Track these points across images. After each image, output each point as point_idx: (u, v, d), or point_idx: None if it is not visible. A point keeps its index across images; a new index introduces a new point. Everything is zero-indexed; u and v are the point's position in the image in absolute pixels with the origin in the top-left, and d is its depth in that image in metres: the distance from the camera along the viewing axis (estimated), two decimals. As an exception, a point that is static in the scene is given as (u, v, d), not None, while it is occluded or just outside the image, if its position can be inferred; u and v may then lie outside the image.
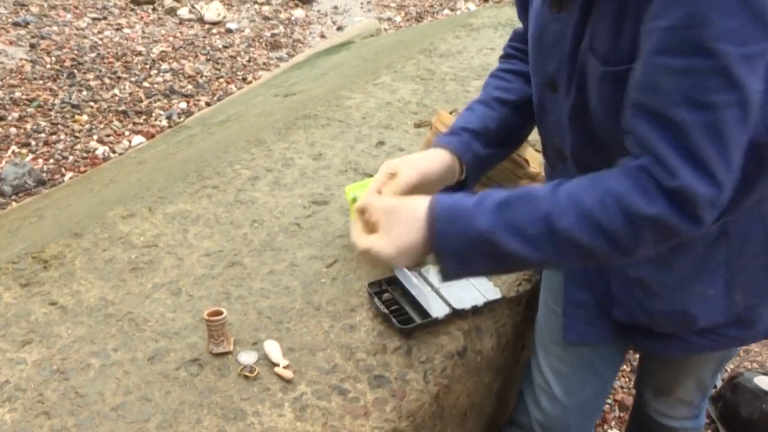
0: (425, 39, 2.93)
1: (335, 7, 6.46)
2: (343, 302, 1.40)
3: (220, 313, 1.27)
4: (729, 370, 2.32)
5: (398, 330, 1.31)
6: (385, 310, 1.34)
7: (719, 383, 2.16)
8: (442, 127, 1.67)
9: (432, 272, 1.45)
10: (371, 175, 1.78)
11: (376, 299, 1.36)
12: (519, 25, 1.29)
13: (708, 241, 1.09)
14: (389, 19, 6.21)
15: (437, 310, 1.34)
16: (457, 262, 0.98)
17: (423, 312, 1.34)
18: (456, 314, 1.36)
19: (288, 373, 1.23)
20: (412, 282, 1.36)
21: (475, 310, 1.38)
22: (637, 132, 0.90)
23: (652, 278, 1.15)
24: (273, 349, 1.27)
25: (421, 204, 0.99)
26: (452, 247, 0.96)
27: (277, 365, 1.25)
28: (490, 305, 1.40)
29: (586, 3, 0.97)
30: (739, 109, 0.85)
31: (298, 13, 6.25)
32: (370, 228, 1.02)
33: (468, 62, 2.58)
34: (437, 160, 1.14)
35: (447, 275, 1.02)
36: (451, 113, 1.74)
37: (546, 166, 1.28)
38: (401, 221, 0.98)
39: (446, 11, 6.38)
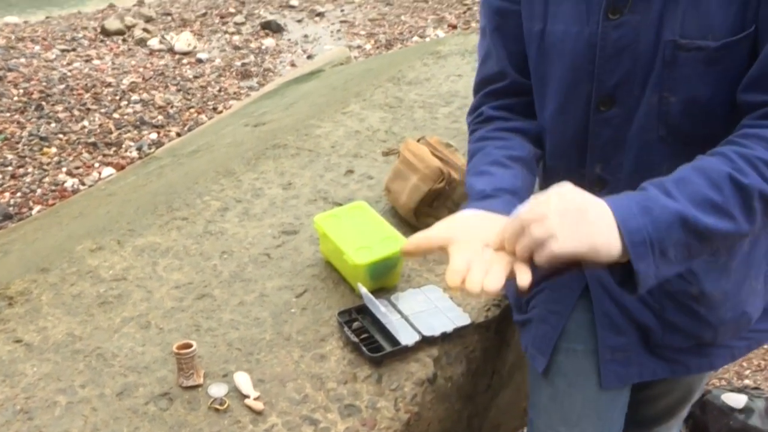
0: (394, 67, 2.97)
1: (305, 36, 6.52)
2: (313, 332, 1.40)
3: (189, 345, 1.26)
4: (699, 388, 2.36)
5: (368, 358, 1.32)
6: (355, 339, 1.34)
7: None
8: (410, 155, 1.70)
9: (401, 300, 1.46)
10: (340, 204, 1.79)
11: (345, 328, 1.37)
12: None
13: (752, 235, 1.11)
14: (359, 46, 6.28)
15: (407, 337, 1.35)
16: (653, 258, 0.85)
17: (393, 340, 1.35)
18: (425, 341, 1.37)
19: (258, 405, 1.23)
20: (381, 310, 1.37)
21: (445, 337, 1.39)
22: None
23: (715, 288, 1.11)
24: (243, 380, 1.27)
25: (602, 203, 0.85)
26: (650, 241, 0.84)
27: (248, 397, 1.24)
28: (459, 331, 1.41)
29: None
30: None
31: (269, 42, 6.29)
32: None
33: (436, 89, 2.62)
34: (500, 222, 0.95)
35: (645, 280, 0.85)
36: (419, 141, 1.76)
37: None
38: (587, 221, 0.83)
39: (416, 38, 6.47)
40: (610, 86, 1.02)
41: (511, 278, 0.86)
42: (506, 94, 1.15)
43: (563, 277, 1.04)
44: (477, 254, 0.88)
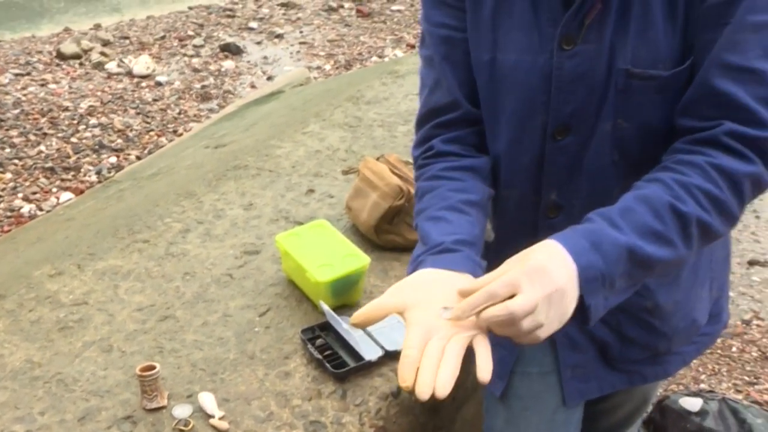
0: (353, 86, 3.00)
1: (265, 57, 6.54)
2: (277, 350, 1.41)
3: (152, 367, 1.26)
4: (658, 394, 2.41)
5: (332, 374, 1.33)
6: (319, 356, 1.36)
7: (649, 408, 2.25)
8: (370, 173, 1.73)
9: (364, 315, 1.47)
10: (302, 223, 1.81)
11: (309, 345, 1.38)
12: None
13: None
14: (319, 67, 6.31)
15: (370, 352, 1.36)
16: (603, 291, 0.87)
17: (356, 355, 1.37)
18: (389, 356, 1.38)
19: (223, 425, 1.23)
20: (344, 327, 1.38)
21: (407, 350, 1.41)
22: (724, 93, 0.92)
23: (667, 300, 1.14)
24: (208, 400, 1.27)
25: (562, 257, 0.84)
26: (602, 276, 0.86)
27: (212, 417, 1.25)
28: (421, 344, 1.43)
29: (616, 24, 0.96)
30: None
31: (228, 64, 6.29)
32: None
33: (395, 108, 2.66)
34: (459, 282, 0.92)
35: (596, 313, 0.87)
36: (378, 159, 1.79)
37: (504, 236, 1.19)
38: (565, 298, 0.83)
39: (374, 58, 6.54)
40: (565, 115, 1.02)
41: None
42: (458, 125, 1.12)
43: None
44: (433, 325, 0.84)
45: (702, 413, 2.03)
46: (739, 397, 2.40)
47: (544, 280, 0.81)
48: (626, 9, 0.95)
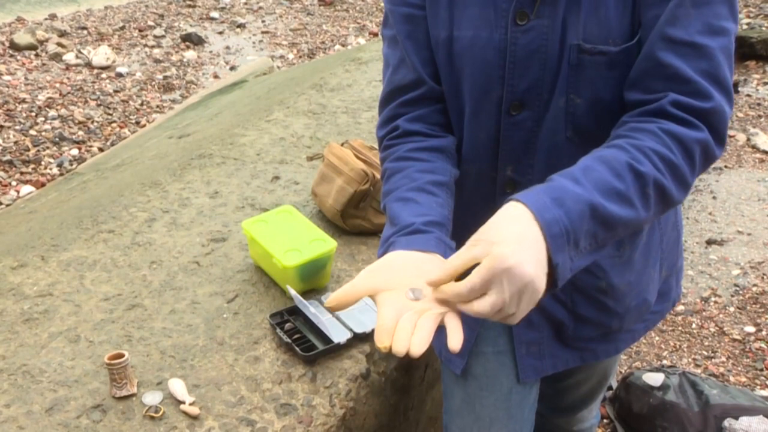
0: (316, 74, 3.00)
1: (227, 48, 6.48)
2: (246, 335, 1.42)
3: (121, 355, 1.26)
4: (622, 372, 2.47)
5: (302, 358, 1.35)
6: (288, 340, 1.37)
7: (614, 384, 2.30)
8: (334, 158, 1.74)
9: (332, 299, 1.49)
10: (268, 210, 1.81)
11: (278, 329, 1.39)
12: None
13: (648, 227, 1.17)
14: (282, 56, 6.28)
15: (338, 335, 1.38)
16: (568, 248, 0.86)
17: (325, 338, 1.38)
18: (357, 338, 1.40)
19: (194, 410, 1.24)
20: (311, 311, 1.39)
21: (376, 332, 1.43)
22: (668, 65, 0.94)
23: (621, 281, 1.17)
24: (178, 387, 1.28)
25: (535, 241, 0.83)
26: (566, 231, 0.85)
27: (183, 403, 1.25)
28: (389, 326, 1.45)
29: (569, 0, 0.98)
30: (734, 38, 0.96)
31: (190, 54, 6.22)
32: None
33: (358, 95, 2.67)
34: (429, 264, 0.94)
35: (563, 273, 0.86)
36: (342, 145, 1.80)
37: (464, 211, 1.17)
38: (535, 291, 0.83)
39: (337, 47, 6.52)
40: (520, 90, 1.04)
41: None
42: (422, 103, 1.13)
43: None
44: (405, 305, 0.86)
45: (664, 387, 2.09)
46: (698, 370, 2.48)
47: (513, 279, 0.81)
48: None
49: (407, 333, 0.82)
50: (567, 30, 0.99)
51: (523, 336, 1.22)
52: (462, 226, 1.08)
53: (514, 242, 0.82)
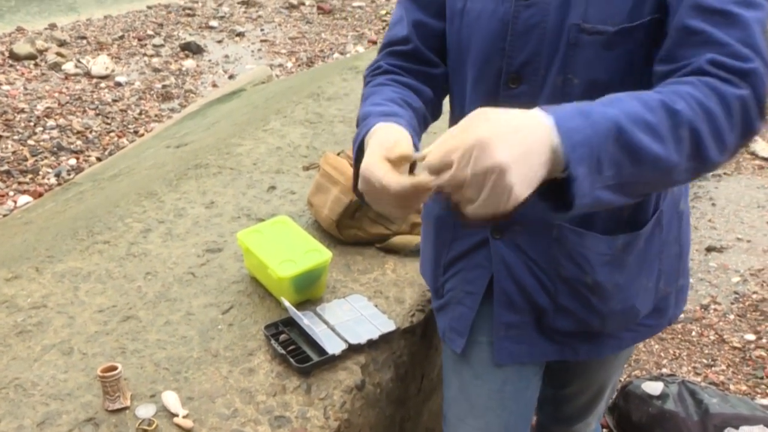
0: (313, 83, 3.00)
1: (226, 56, 6.48)
2: (241, 347, 1.41)
3: (114, 368, 1.25)
4: (621, 380, 2.46)
5: (296, 369, 1.34)
6: (283, 351, 1.36)
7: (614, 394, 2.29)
8: (330, 168, 1.73)
9: (327, 310, 1.48)
10: (263, 220, 1.81)
11: (273, 341, 1.38)
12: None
13: (647, 234, 1.16)
14: (280, 65, 6.28)
15: (333, 346, 1.37)
16: (590, 165, 0.81)
17: (320, 350, 1.37)
18: (352, 349, 1.39)
19: (188, 423, 1.23)
20: (305, 322, 1.39)
21: (371, 344, 1.42)
22: (701, 32, 0.91)
23: (609, 281, 1.16)
24: (171, 399, 1.27)
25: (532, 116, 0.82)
26: (589, 143, 0.81)
27: (176, 415, 1.24)
28: (385, 337, 1.45)
29: None
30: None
31: (189, 63, 6.22)
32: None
33: (355, 104, 2.67)
34: (405, 133, 1.01)
35: (581, 190, 0.81)
36: (338, 154, 1.80)
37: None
38: (501, 182, 0.78)
39: (336, 55, 6.53)
40: (517, 64, 1.06)
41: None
42: (407, 58, 1.21)
43: (478, 257, 1.19)
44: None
45: (663, 396, 2.08)
46: (698, 379, 2.47)
47: (481, 156, 0.77)
48: None
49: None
50: (569, 9, 1.01)
51: (504, 317, 1.22)
52: None
53: (504, 124, 0.79)
